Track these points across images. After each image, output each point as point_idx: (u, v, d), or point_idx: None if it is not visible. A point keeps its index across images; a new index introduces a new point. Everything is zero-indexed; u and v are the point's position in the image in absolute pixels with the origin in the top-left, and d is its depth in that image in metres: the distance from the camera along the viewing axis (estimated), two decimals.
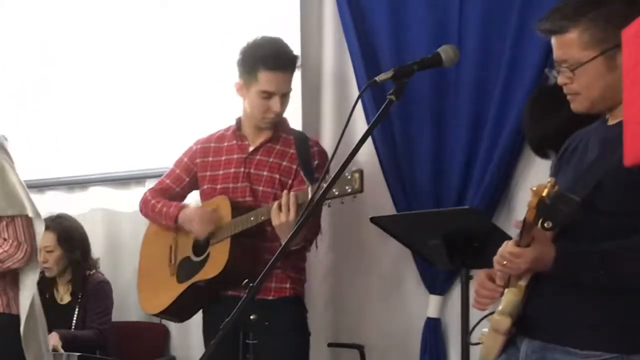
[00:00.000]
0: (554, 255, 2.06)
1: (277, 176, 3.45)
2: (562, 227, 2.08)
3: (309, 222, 3.24)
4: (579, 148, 2.25)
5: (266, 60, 3.39)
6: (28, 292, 2.85)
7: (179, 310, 3.59)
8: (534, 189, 2.00)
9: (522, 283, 2.15)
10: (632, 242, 2.05)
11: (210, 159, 3.60)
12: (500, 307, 2.16)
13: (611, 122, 2.19)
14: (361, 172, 3.03)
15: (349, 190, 3.02)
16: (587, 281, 2.07)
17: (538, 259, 2.08)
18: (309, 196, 3.10)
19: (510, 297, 2.15)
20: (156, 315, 3.70)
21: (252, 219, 3.33)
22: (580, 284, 2.09)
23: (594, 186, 2.08)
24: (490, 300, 2.24)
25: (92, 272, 4.36)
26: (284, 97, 3.45)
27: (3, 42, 4.94)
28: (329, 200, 3.06)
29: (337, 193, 3.03)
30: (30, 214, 2.76)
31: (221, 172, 3.54)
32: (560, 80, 2.20)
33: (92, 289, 4.31)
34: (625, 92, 1.88)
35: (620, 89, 2.00)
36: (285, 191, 3.26)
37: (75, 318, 4.26)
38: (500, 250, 2.13)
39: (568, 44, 2.16)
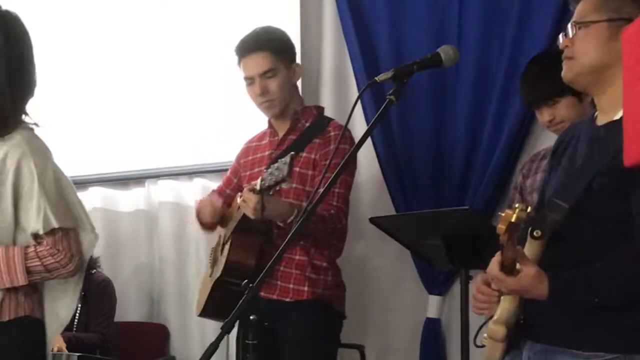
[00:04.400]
0: (547, 293, 2.05)
1: (297, 169, 3.32)
2: (552, 234, 2.09)
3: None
4: (569, 148, 2.25)
5: (238, 50, 3.45)
6: (70, 300, 2.85)
7: (217, 311, 3.46)
8: (503, 214, 1.99)
9: None
10: (619, 261, 2.03)
11: (250, 157, 3.56)
12: (496, 316, 2.15)
13: (600, 121, 2.18)
14: (291, 156, 2.89)
15: (279, 178, 2.91)
16: (584, 305, 2.07)
17: (518, 291, 2.08)
18: (257, 186, 3.04)
19: (505, 305, 2.15)
20: (201, 316, 3.60)
21: (235, 213, 3.31)
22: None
23: (583, 190, 2.08)
24: (487, 305, 2.24)
25: (93, 271, 4.36)
26: (267, 77, 3.38)
27: None
28: (271, 188, 3.00)
29: (271, 180, 2.96)
30: (88, 227, 2.79)
31: (256, 170, 3.50)
32: (562, 41, 2.21)
33: (95, 289, 4.30)
34: (625, 91, 1.88)
35: (612, 69, 2.08)
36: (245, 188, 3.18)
37: (77, 316, 4.26)
38: (489, 268, 2.13)
39: (587, 5, 2.18)
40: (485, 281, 2.26)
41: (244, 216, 3.18)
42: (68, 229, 2.73)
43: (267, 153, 3.50)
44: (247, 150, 3.61)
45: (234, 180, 3.67)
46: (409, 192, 3.87)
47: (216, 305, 3.44)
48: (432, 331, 3.84)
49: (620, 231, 2.04)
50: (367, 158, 3.88)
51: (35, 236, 2.72)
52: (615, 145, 2.03)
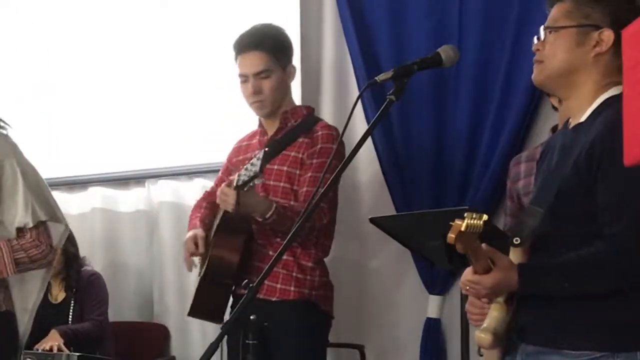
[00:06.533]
0: (517, 277, 2.07)
1: (285, 168, 3.37)
2: (534, 240, 2.11)
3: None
4: (549, 155, 2.28)
5: (235, 46, 3.46)
6: (37, 293, 2.97)
7: (205, 310, 3.48)
8: (452, 224, 1.99)
9: (500, 299, 2.15)
10: (590, 252, 2.04)
11: (241, 157, 3.57)
12: (484, 324, 2.15)
13: (571, 125, 2.22)
14: (264, 153, 3.03)
15: (252, 173, 3.02)
16: (555, 293, 2.08)
17: (496, 285, 2.08)
18: (234, 182, 3.09)
19: (493, 314, 2.15)
20: (189, 315, 3.57)
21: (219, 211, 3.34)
22: (552, 295, 2.10)
23: (555, 194, 2.10)
24: (482, 317, 2.26)
25: (82, 269, 4.38)
26: (261, 77, 3.39)
27: (3, 42, 4.94)
28: (247, 184, 3.07)
29: (246, 176, 3.04)
30: (62, 220, 2.95)
31: None
32: (534, 45, 2.25)
33: (85, 284, 4.33)
34: (625, 92, 1.87)
35: (579, 73, 2.15)
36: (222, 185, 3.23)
37: (71, 314, 4.27)
38: (462, 276, 2.14)
39: (559, 11, 2.23)
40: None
41: (225, 214, 3.24)
42: (46, 221, 2.89)
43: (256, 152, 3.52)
44: (238, 150, 3.63)
45: (225, 179, 3.67)
46: (409, 192, 3.87)
47: (202, 304, 3.46)
48: (432, 331, 3.84)
49: (590, 231, 2.05)
50: (367, 158, 3.88)
51: (18, 229, 2.85)
52: (580, 145, 2.07)
